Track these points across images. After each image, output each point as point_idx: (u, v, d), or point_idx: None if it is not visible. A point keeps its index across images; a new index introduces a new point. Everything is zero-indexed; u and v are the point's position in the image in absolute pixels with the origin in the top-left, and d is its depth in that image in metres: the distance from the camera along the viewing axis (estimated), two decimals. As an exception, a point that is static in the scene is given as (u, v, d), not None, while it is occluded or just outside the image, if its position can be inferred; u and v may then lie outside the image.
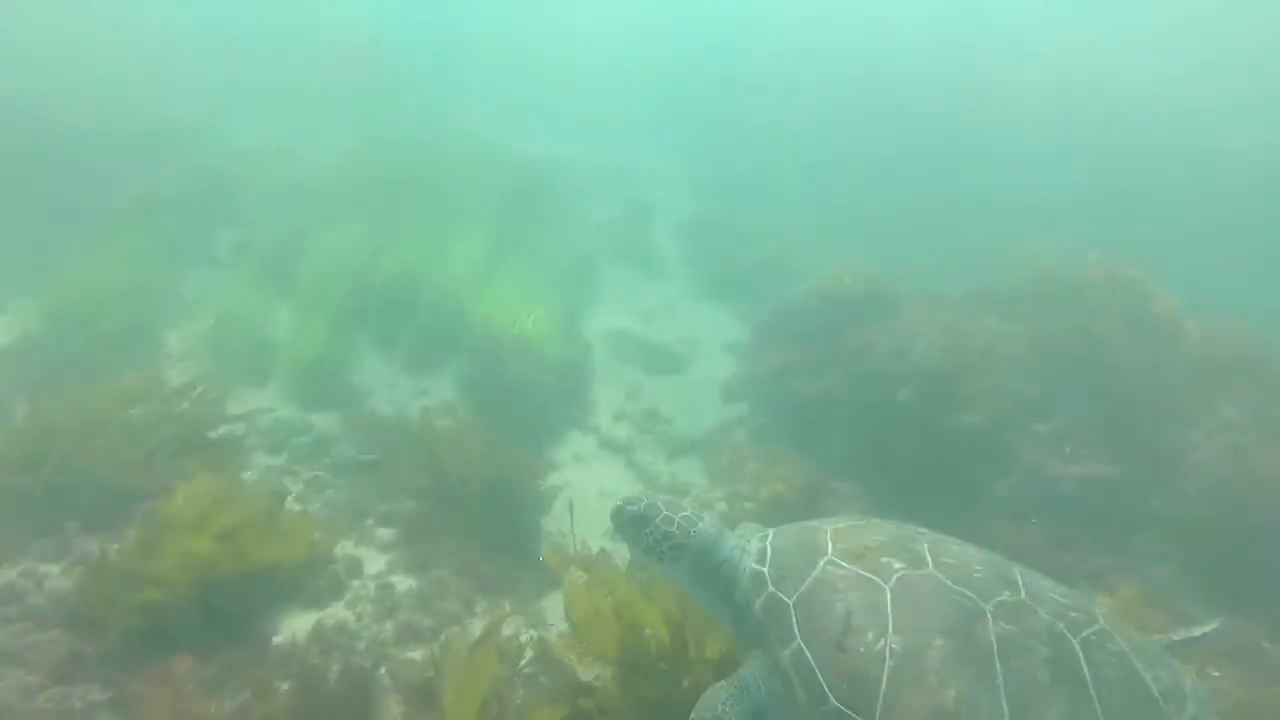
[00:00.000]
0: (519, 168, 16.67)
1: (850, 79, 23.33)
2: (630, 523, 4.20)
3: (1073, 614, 3.69)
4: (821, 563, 3.81)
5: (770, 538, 4.13)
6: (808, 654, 3.55)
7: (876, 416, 8.62)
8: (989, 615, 3.58)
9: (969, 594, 3.68)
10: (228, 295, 11.11)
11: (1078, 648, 3.55)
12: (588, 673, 4.73)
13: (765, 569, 3.89)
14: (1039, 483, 7.19)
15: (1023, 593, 3.75)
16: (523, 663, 5.19)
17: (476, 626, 6.20)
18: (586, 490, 8.95)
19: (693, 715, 3.63)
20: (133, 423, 6.90)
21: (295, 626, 5.66)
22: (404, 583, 6.33)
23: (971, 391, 8.06)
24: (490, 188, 15.53)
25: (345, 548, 6.57)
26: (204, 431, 7.64)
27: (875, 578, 3.70)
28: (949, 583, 3.71)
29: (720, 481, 9.13)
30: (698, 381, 12.19)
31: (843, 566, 3.78)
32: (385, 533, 7.04)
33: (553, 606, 6.65)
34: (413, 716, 4.84)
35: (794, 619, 3.65)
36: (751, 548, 4.12)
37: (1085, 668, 3.50)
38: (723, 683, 3.78)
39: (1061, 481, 7.06)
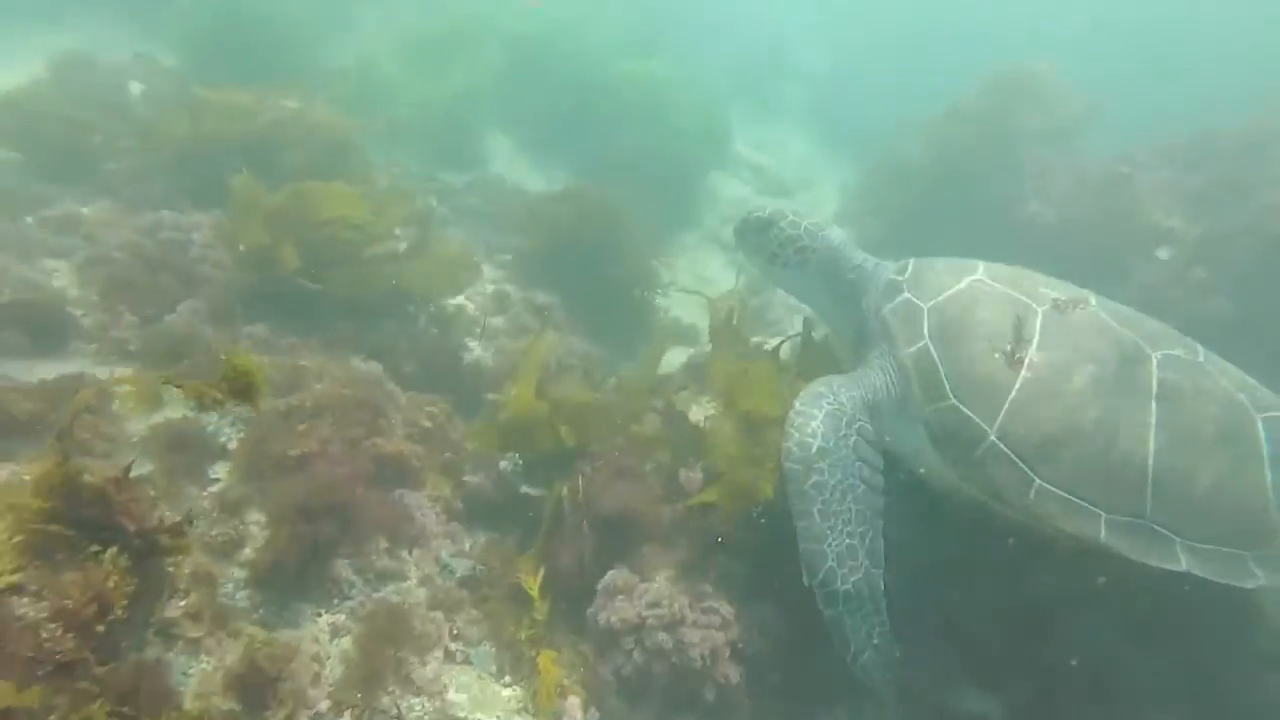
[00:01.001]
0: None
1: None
2: (754, 229, 4.08)
3: (1260, 393, 3.42)
4: (968, 279, 3.60)
5: (913, 258, 3.95)
6: (933, 351, 3.39)
7: (997, 235, 8.48)
8: (1154, 360, 3.33)
9: (1135, 337, 3.41)
10: (367, 60, 11.43)
11: (1259, 421, 3.27)
12: (703, 410, 4.64)
13: (903, 278, 3.73)
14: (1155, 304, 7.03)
15: (1201, 356, 3.48)
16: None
17: (575, 342, 6.62)
18: (685, 276, 9.23)
19: (806, 389, 3.52)
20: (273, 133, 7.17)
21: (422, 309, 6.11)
22: (517, 293, 6.78)
23: (1098, 216, 7.83)
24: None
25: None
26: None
27: (1027, 299, 3.48)
28: (1114, 323, 3.46)
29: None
30: (805, 206, 12.12)
31: (992, 285, 3.57)
32: (503, 257, 7.48)
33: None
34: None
35: (925, 320, 3.50)
36: (890, 263, 3.98)
37: (1264, 442, 3.21)
38: (835, 375, 3.69)
39: (1178, 302, 6.87)
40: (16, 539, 1.94)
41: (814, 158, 14.91)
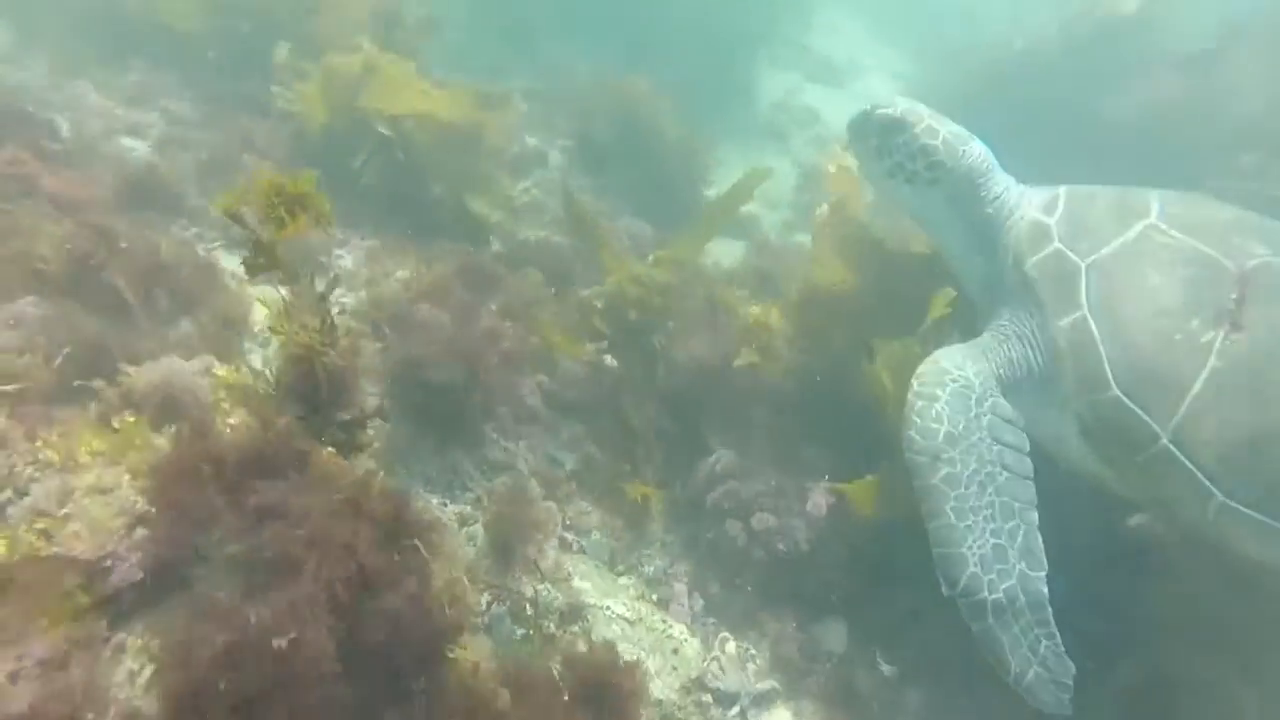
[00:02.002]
0: None
1: None
2: (880, 130, 3.29)
3: None
4: (1139, 226, 2.92)
5: (1064, 190, 3.23)
6: (1093, 327, 2.78)
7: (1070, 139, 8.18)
8: (1226, 291, 2.73)
9: (1233, 247, 2.80)
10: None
11: None
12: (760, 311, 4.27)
13: (1051, 221, 3.06)
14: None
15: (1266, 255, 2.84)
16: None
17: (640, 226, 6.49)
18: (736, 166, 8.95)
19: (924, 364, 2.99)
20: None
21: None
22: (580, 180, 6.63)
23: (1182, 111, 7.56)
24: None
25: (533, 141, 6.85)
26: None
27: (1219, 254, 2.79)
28: (1202, 247, 2.83)
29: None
30: (858, 96, 11.67)
31: (1171, 235, 2.87)
32: (565, 143, 7.29)
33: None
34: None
35: (1083, 284, 2.85)
36: (1035, 195, 3.25)
37: None
38: (958, 345, 3.11)
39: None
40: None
41: (864, 42, 14.20)
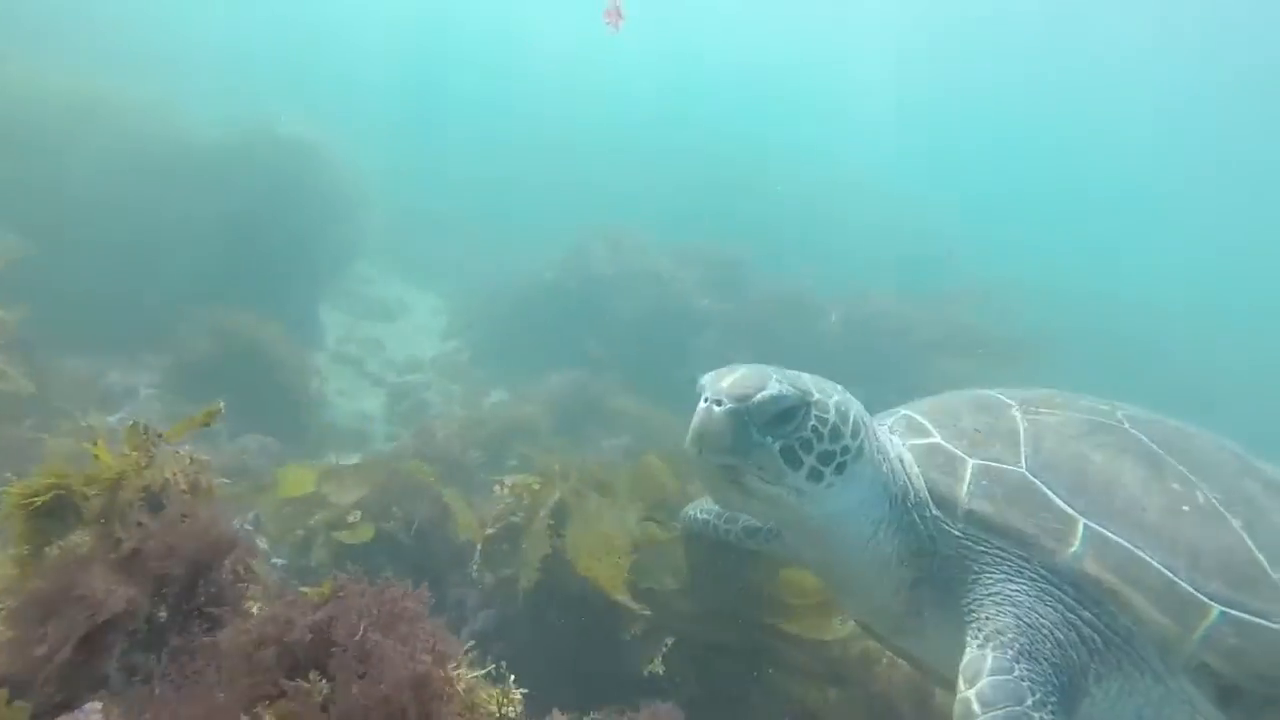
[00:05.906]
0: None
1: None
2: (774, 423, 2.06)
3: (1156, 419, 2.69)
4: (1015, 412, 2.42)
5: (902, 411, 2.62)
6: (1115, 538, 2.08)
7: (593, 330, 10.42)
8: (1153, 447, 2.36)
9: (1096, 417, 2.49)
10: None
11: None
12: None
13: (935, 439, 2.36)
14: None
15: (1121, 409, 2.61)
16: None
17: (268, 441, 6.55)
18: (323, 391, 9.26)
19: (977, 699, 1.96)
20: None
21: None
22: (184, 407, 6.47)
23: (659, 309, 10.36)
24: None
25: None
26: None
27: (1099, 418, 2.44)
28: (1086, 416, 2.50)
29: (459, 379, 10.24)
30: (410, 330, 12.90)
31: (1042, 412, 2.43)
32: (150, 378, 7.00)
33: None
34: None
35: (1047, 490, 2.17)
36: (882, 430, 2.48)
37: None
38: (977, 652, 2.08)
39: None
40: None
41: (400, 285, 15.60)
